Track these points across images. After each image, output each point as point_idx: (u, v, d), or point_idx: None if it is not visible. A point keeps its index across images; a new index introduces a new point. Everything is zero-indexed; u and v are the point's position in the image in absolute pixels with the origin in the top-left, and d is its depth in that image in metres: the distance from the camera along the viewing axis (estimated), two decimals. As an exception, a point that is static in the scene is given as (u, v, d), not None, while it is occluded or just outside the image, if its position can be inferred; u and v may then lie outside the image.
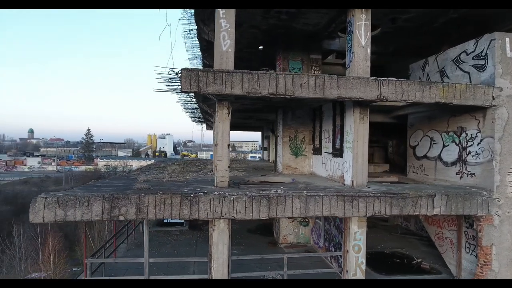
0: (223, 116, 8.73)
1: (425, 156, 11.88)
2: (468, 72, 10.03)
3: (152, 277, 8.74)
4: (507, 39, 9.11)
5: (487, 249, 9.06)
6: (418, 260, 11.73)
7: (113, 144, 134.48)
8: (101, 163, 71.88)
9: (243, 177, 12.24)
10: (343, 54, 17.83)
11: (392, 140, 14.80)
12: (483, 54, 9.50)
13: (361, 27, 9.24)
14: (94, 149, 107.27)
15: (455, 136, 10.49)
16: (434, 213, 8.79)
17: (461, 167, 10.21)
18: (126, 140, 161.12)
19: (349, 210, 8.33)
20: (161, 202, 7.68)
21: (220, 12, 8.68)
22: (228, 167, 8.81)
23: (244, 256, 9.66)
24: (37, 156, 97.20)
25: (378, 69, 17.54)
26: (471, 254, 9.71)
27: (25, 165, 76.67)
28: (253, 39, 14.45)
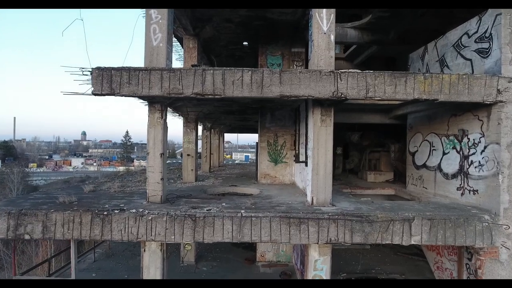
0: (154, 121, 7.57)
1: (424, 165, 9.71)
2: (470, 60, 7.82)
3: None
4: (519, 13, 6.83)
5: (490, 292, 6.85)
6: (415, 293, 9.57)
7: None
8: (137, 163, 75.17)
9: (212, 186, 11.00)
10: (347, 46, 15.91)
11: (394, 144, 12.58)
12: (486, 35, 7.28)
13: (322, 9, 7.51)
14: (135, 150, 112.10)
15: (455, 141, 8.29)
16: (413, 242, 6.83)
17: (462, 181, 8.01)
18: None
19: (295, 236, 6.71)
20: (70, 220, 6.73)
21: (151, 1, 7.53)
22: (161, 179, 7.62)
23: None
24: (85, 157, 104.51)
25: (389, 62, 15.33)
26: (473, 295, 7.50)
27: (70, 165, 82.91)
28: (235, 34, 13.18)
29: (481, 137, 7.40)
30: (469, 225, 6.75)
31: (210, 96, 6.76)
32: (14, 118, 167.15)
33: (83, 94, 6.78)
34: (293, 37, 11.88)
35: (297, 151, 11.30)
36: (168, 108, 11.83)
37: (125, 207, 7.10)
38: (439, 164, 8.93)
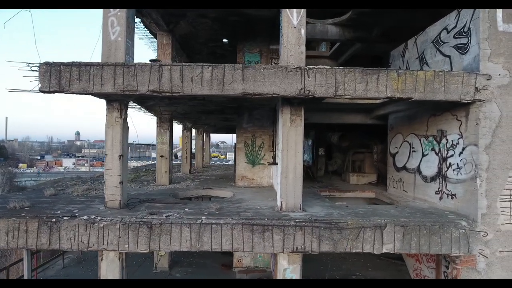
0: (112, 120, 7.07)
1: (404, 167, 9.30)
2: (449, 56, 7.41)
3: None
4: (498, 6, 6.42)
5: (467, 303, 6.43)
6: (394, 301, 9.14)
7: (148, 146, 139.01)
8: (131, 164, 73.96)
9: (185, 189, 10.52)
10: (333, 44, 15.47)
11: (377, 145, 12.17)
12: (465, 30, 6.87)
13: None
14: (128, 151, 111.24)
15: (434, 142, 7.88)
16: (385, 250, 6.42)
17: (440, 185, 7.60)
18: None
19: (259, 244, 6.25)
20: (15, 228, 6.21)
21: (108, -8, 7.03)
22: (120, 182, 7.11)
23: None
24: (77, 157, 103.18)
25: (375, 60, 14.88)
26: (451, 305, 7.08)
27: (62, 165, 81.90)
28: (212, 31, 12.69)
29: (459, 138, 6.99)
30: (445, 232, 6.33)
31: (167, 94, 6.28)
32: (6, 118, 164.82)
33: (29, 91, 6.27)
34: (271, 33, 11.41)
35: (274, 153, 10.85)
36: (141, 107, 11.39)
37: (77, 213, 6.59)
38: (419, 166, 8.52)
